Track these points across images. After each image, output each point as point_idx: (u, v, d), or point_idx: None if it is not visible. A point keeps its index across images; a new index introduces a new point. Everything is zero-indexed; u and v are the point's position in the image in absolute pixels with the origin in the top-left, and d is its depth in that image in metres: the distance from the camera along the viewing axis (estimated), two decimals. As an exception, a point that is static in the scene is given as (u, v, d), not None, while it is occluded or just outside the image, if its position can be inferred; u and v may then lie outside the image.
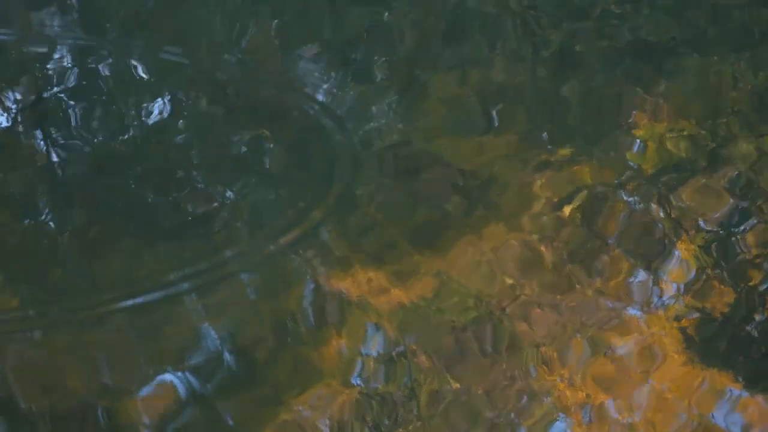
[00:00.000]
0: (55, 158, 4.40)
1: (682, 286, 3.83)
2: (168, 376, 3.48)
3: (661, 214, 4.14)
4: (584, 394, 3.43)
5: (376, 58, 5.01)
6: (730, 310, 3.71)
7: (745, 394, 3.39)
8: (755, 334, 3.63)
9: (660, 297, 3.79)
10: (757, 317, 3.69)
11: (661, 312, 3.73)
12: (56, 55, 5.01)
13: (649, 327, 3.66)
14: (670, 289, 3.82)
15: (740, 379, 3.44)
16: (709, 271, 3.88)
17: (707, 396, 3.41)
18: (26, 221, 4.10)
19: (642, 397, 3.42)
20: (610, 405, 3.41)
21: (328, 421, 3.33)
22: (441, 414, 3.36)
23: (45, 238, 4.01)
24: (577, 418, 3.37)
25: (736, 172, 4.33)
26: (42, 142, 4.46)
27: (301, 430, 3.32)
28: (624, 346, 3.58)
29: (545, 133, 4.56)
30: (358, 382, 3.47)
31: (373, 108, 4.70)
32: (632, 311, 3.73)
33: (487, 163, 4.38)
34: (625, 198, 4.22)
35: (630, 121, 4.63)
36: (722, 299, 3.76)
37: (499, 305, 3.72)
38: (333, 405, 3.39)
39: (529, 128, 4.59)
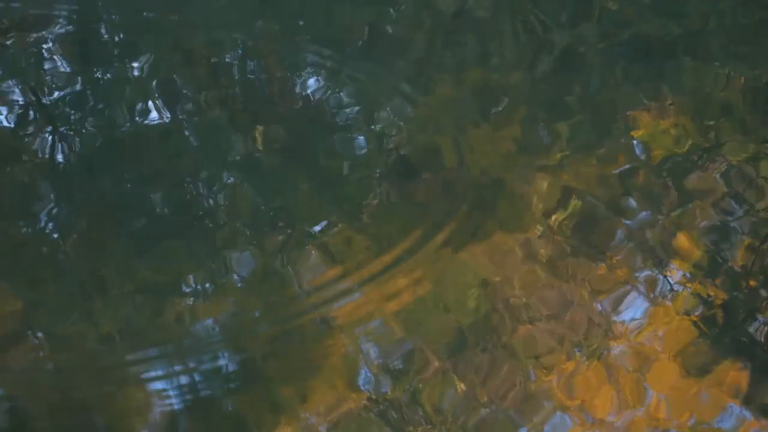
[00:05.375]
0: (54, 156, 4.38)
1: (681, 287, 3.86)
2: (168, 376, 3.52)
3: (660, 216, 4.14)
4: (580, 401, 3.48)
5: (376, 56, 4.97)
6: (729, 313, 3.75)
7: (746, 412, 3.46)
8: (756, 336, 3.67)
9: (660, 299, 3.81)
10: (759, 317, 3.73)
11: (662, 312, 3.76)
12: (55, 52, 4.96)
13: (650, 325, 3.70)
14: (669, 289, 3.84)
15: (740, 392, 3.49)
16: (703, 274, 3.90)
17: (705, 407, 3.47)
18: (24, 222, 4.08)
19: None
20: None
21: (329, 422, 3.38)
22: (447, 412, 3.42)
23: (44, 239, 4.00)
24: (579, 417, 3.43)
25: (733, 171, 4.32)
26: (41, 141, 4.44)
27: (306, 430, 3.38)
28: (618, 349, 3.63)
29: (545, 133, 4.52)
30: (364, 384, 3.50)
31: (374, 107, 4.67)
32: (632, 314, 3.76)
33: (487, 163, 4.35)
34: (623, 199, 4.21)
35: (629, 119, 4.59)
36: (721, 301, 3.79)
37: (498, 307, 3.74)
38: (337, 407, 3.42)
39: (529, 128, 4.54)
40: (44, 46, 5.00)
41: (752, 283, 3.85)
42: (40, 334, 3.64)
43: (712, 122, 4.60)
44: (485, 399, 3.45)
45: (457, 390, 3.48)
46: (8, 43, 4.99)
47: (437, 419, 3.40)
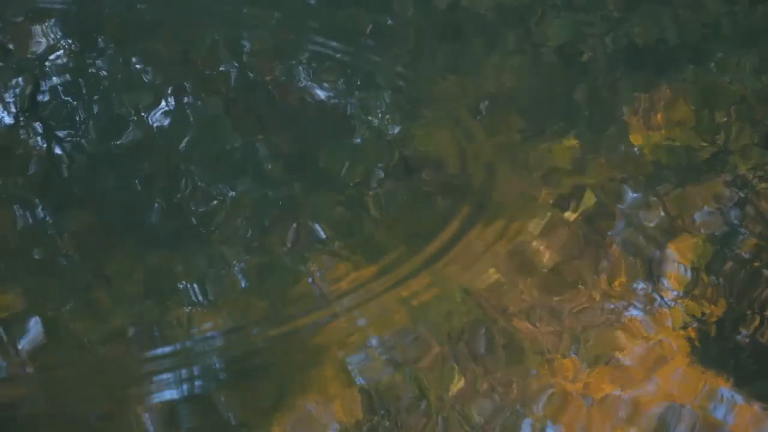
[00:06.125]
0: (53, 156, 4.39)
1: (681, 291, 3.88)
2: (167, 377, 3.51)
3: (660, 214, 4.16)
4: (582, 384, 3.52)
5: (377, 57, 4.99)
6: (723, 316, 3.78)
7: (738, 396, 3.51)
8: (746, 341, 3.72)
9: (660, 302, 3.84)
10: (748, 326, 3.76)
11: (663, 314, 3.79)
12: (54, 52, 4.97)
13: (652, 331, 3.73)
14: (669, 294, 3.87)
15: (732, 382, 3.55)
16: (704, 275, 3.92)
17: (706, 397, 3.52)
18: (24, 221, 4.08)
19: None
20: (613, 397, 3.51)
21: (330, 422, 3.40)
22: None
23: (44, 239, 4.00)
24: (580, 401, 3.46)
25: (733, 176, 4.34)
26: (40, 141, 4.45)
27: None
28: (626, 350, 3.66)
29: (545, 133, 4.53)
30: (361, 381, 3.52)
31: (373, 107, 4.69)
32: (634, 313, 3.79)
33: (487, 163, 4.37)
34: (623, 199, 4.23)
35: (627, 122, 4.60)
36: (717, 304, 3.82)
37: (499, 307, 3.76)
38: (334, 408, 3.44)
39: (529, 128, 4.56)
40: (41, 40, 5.02)
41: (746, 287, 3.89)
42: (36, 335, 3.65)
43: (713, 127, 4.61)
44: (485, 387, 3.47)
45: (458, 379, 3.50)
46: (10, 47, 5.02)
47: (437, 406, 3.41)
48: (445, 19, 5.27)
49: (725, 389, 3.51)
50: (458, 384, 3.50)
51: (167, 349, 3.59)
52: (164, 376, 3.50)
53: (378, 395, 3.46)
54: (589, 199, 4.20)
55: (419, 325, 3.68)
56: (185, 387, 3.49)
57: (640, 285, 3.88)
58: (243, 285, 3.84)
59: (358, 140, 4.53)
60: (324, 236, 4.03)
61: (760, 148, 4.48)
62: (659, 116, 4.64)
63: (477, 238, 4.01)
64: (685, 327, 3.73)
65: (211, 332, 3.65)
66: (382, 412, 3.42)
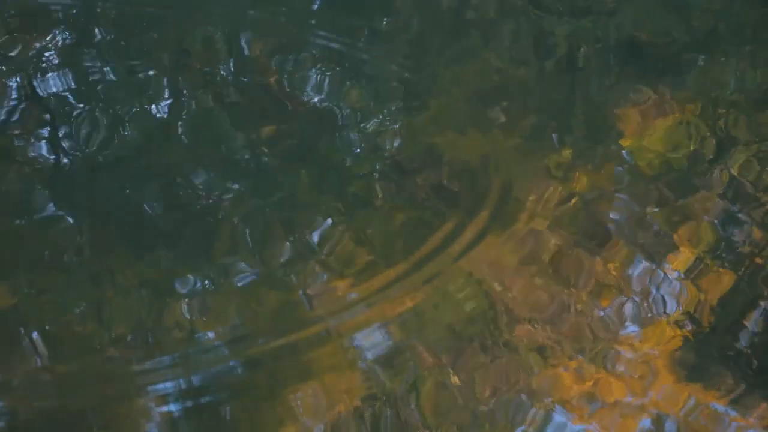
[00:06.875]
0: (51, 158, 4.37)
1: (674, 299, 3.89)
2: (166, 386, 3.51)
3: (655, 214, 4.19)
4: (590, 383, 3.54)
5: (376, 56, 4.99)
6: (719, 323, 3.79)
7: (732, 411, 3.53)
8: (746, 349, 3.72)
9: (653, 310, 3.85)
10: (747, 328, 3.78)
11: (656, 322, 3.80)
12: (51, 50, 4.94)
13: (643, 338, 3.74)
14: (662, 302, 3.88)
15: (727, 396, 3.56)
16: (696, 281, 3.93)
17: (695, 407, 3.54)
18: (20, 222, 4.08)
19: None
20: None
21: (325, 422, 3.42)
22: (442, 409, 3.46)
23: (42, 241, 3.99)
24: (579, 412, 3.47)
25: (731, 177, 4.34)
26: (38, 141, 4.44)
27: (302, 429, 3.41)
28: (620, 357, 3.67)
29: (544, 135, 4.54)
30: (361, 391, 3.53)
31: (374, 108, 4.69)
32: (628, 321, 3.80)
33: (487, 163, 4.37)
34: (621, 202, 4.24)
35: (623, 123, 4.62)
36: (709, 314, 3.83)
37: (498, 313, 3.78)
38: (333, 407, 3.46)
39: (529, 130, 4.57)
40: (37, 37, 4.99)
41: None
42: (36, 336, 3.64)
43: (714, 126, 4.61)
44: (486, 395, 3.49)
45: (454, 388, 3.51)
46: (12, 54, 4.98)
47: (434, 421, 3.43)
48: (446, 17, 5.27)
49: (715, 399, 3.54)
50: (456, 389, 3.53)
51: (166, 359, 3.58)
52: (163, 385, 3.51)
53: (377, 404, 3.48)
54: (579, 204, 4.21)
55: (416, 336, 3.69)
56: (185, 396, 3.49)
57: (634, 290, 3.90)
58: (241, 296, 3.83)
59: (357, 137, 4.53)
60: (327, 242, 4.04)
61: (758, 144, 4.48)
62: (655, 118, 4.65)
63: (476, 244, 4.03)
64: (679, 328, 3.76)
65: (210, 342, 3.66)
66: (381, 410, 3.45)
